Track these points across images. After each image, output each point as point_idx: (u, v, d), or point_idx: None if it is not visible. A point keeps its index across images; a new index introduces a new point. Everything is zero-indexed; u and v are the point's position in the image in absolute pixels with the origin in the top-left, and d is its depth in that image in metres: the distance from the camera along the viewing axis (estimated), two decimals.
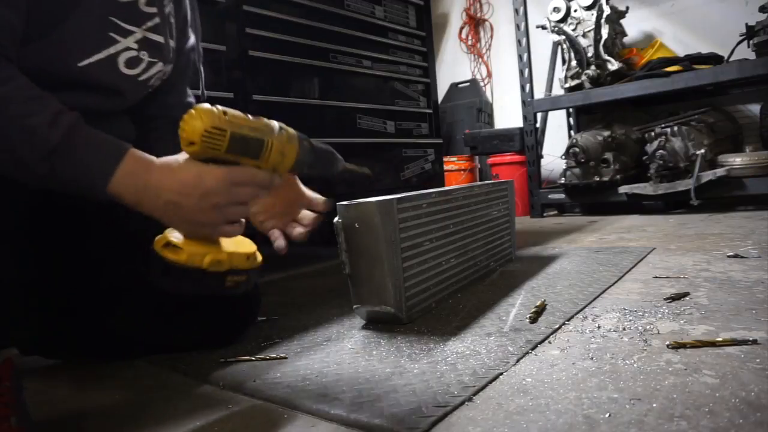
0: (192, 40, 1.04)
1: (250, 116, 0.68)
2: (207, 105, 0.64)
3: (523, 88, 3.04)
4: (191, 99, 1.08)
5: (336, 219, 1.02)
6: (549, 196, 2.97)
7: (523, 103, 3.05)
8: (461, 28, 4.04)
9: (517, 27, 3.04)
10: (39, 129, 0.64)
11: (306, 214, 0.98)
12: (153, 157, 0.70)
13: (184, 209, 0.68)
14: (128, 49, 0.82)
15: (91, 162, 0.66)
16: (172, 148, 0.93)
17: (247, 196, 0.71)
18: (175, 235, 0.69)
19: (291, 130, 0.72)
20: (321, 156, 0.76)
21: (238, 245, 0.74)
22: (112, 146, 0.68)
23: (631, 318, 0.95)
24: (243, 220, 0.73)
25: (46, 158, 0.64)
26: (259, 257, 0.76)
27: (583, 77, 2.84)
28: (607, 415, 0.60)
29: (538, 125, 3.15)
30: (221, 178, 0.67)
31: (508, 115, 3.83)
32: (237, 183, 0.69)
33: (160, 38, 0.87)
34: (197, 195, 0.67)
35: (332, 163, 0.78)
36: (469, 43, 4.03)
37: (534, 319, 0.98)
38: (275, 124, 0.70)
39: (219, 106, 0.65)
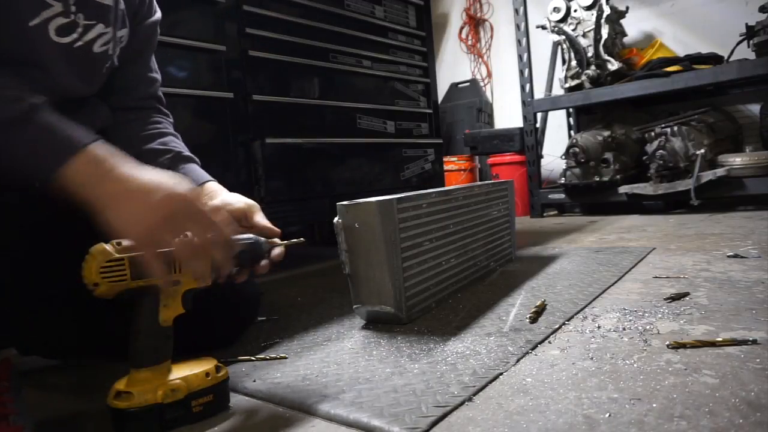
0: (158, 14, 0.98)
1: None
2: (99, 243, 0.63)
3: (523, 88, 3.04)
4: (155, 74, 1.01)
5: (336, 219, 1.02)
6: (549, 196, 2.97)
7: (523, 103, 3.05)
8: (461, 28, 4.04)
9: (517, 27, 3.04)
10: (7, 97, 0.63)
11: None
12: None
13: (136, 202, 0.62)
14: (64, 13, 0.76)
15: (51, 143, 0.63)
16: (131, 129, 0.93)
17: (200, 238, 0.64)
18: (122, 383, 0.66)
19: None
20: (243, 248, 0.75)
21: (194, 367, 0.70)
22: (76, 135, 0.65)
23: (631, 318, 0.95)
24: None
25: (7, 123, 0.62)
26: (223, 370, 0.73)
27: (583, 77, 2.84)
28: (607, 415, 0.60)
29: (538, 125, 3.15)
30: (190, 193, 0.65)
31: (508, 115, 3.83)
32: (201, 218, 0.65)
33: None
34: (162, 191, 0.63)
35: (257, 250, 0.76)
36: (469, 43, 4.02)
37: (534, 319, 0.98)
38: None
39: (115, 240, 0.63)
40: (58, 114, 0.66)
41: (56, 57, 0.78)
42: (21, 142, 0.63)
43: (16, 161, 0.64)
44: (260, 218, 0.84)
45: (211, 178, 0.93)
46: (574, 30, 2.89)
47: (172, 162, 0.91)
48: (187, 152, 0.95)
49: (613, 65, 2.79)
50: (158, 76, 1.02)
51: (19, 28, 0.73)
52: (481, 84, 3.93)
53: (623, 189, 2.63)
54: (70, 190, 0.63)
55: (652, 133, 2.58)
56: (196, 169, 0.94)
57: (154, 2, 0.99)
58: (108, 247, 0.63)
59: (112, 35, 0.86)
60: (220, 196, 0.87)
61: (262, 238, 0.78)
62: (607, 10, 2.79)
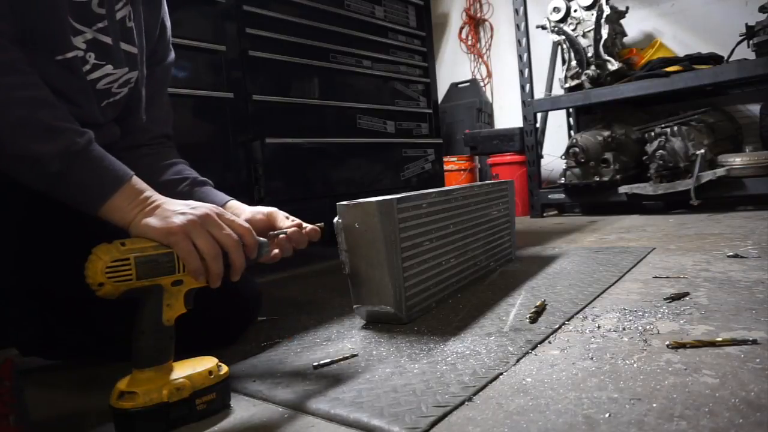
0: (172, 55, 1.03)
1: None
2: (103, 244, 0.63)
3: (523, 88, 3.04)
4: (168, 113, 1.05)
5: (336, 219, 1.02)
6: (549, 196, 2.97)
7: (523, 103, 3.05)
8: (461, 28, 4.04)
9: (517, 27, 3.04)
10: (67, 131, 0.67)
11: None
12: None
13: (170, 206, 0.70)
14: (75, 49, 0.80)
15: (99, 176, 0.69)
16: (154, 163, 0.97)
17: (228, 240, 0.70)
18: (125, 383, 0.66)
19: None
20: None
21: (196, 365, 0.71)
22: (119, 169, 0.72)
23: (631, 318, 0.95)
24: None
25: (64, 156, 0.66)
26: (224, 368, 0.73)
27: (583, 77, 2.84)
28: (607, 415, 0.60)
29: (538, 125, 3.15)
30: (217, 209, 0.73)
31: (508, 115, 3.83)
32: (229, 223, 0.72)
33: (107, 39, 0.84)
34: (198, 210, 0.70)
35: (259, 253, 0.77)
36: (469, 43, 4.02)
37: (534, 319, 0.98)
38: None
39: (119, 240, 0.64)
40: (101, 147, 0.72)
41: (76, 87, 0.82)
42: (78, 172, 0.68)
43: (69, 190, 0.69)
44: (284, 221, 0.89)
45: (232, 198, 0.97)
46: (574, 30, 2.89)
47: (191, 187, 0.96)
48: (201, 177, 0.99)
49: (613, 65, 2.79)
50: (170, 113, 1.06)
51: (50, 60, 0.77)
52: (481, 84, 3.93)
53: (623, 189, 2.63)
54: (111, 219, 0.69)
55: (652, 133, 2.58)
56: (213, 190, 0.98)
57: (170, 43, 1.03)
58: (113, 246, 0.63)
59: (118, 76, 0.88)
60: (244, 212, 0.91)
61: (263, 239, 0.78)
62: (607, 10, 2.79)
